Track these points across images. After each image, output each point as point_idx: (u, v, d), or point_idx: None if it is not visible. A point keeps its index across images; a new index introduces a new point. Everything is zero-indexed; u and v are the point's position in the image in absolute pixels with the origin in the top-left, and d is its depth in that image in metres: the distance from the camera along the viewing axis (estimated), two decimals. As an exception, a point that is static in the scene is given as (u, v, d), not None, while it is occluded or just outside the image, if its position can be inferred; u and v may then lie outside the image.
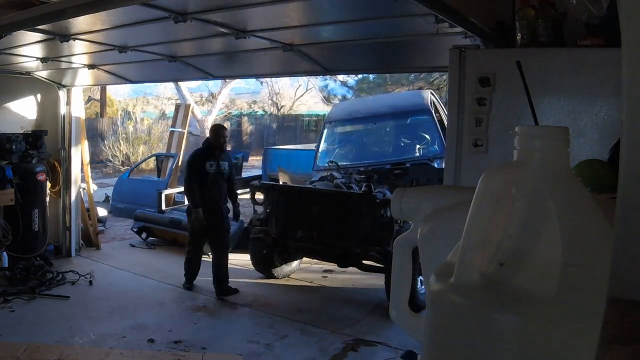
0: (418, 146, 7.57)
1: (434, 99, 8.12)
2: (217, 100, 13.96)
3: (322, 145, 8.09)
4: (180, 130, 10.69)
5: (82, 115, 7.26)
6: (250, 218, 6.59)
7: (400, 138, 7.88)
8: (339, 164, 7.23)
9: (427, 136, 7.51)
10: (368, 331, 4.77)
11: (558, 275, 0.72)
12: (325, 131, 8.17)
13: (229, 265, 5.81)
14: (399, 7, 3.04)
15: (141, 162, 13.64)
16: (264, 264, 6.23)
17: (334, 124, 8.21)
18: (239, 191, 10.40)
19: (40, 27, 3.58)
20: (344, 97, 20.57)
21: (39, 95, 6.69)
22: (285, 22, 3.83)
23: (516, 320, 0.71)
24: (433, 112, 7.59)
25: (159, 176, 10.63)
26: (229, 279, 5.75)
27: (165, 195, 8.97)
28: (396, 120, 7.96)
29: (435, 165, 7.03)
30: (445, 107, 9.95)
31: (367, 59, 4.98)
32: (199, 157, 5.71)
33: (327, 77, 18.92)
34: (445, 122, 7.95)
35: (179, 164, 10.26)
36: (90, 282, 5.92)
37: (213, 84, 19.00)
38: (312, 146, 10.05)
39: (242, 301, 5.50)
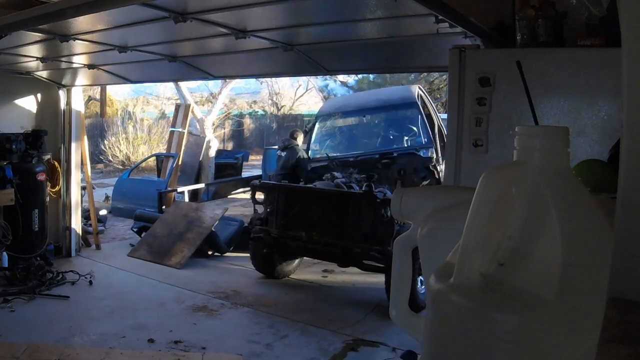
0: (406, 137, 7.68)
1: (422, 94, 8.25)
2: (217, 100, 13.91)
3: (314, 139, 8.21)
4: (180, 130, 10.69)
5: (82, 116, 7.26)
6: (250, 218, 6.59)
7: (388, 130, 8.08)
8: (330, 155, 7.43)
9: (414, 128, 7.61)
10: (368, 331, 4.77)
11: (558, 275, 0.72)
12: (317, 125, 8.32)
13: (228, 266, 5.80)
14: (399, 7, 3.04)
15: (141, 162, 13.63)
16: (264, 264, 6.23)
17: (324, 118, 8.37)
18: (238, 190, 10.46)
19: (40, 27, 3.58)
20: (344, 97, 20.54)
21: (39, 95, 6.68)
22: (285, 22, 3.83)
23: (516, 320, 0.71)
24: (420, 105, 7.72)
25: (159, 176, 10.63)
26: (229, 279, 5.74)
27: (165, 195, 8.98)
28: (385, 113, 8.17)
29: (422, 154, 7.12)
30: (434, 103, 10.12)
31: (367, 59, 4.97)
32: None
33: (327, 77, 18.92)
34: (434, 117, 8.09)
35: (179, 163, 10.27)
36: (90, 282, 5.92)
37: (213, 84, 19.00)
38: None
39: (242, 301, 5.50)
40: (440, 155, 7.49)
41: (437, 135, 7.87)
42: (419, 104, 7.67)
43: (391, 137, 7.93)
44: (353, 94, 10.50)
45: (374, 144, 7.89)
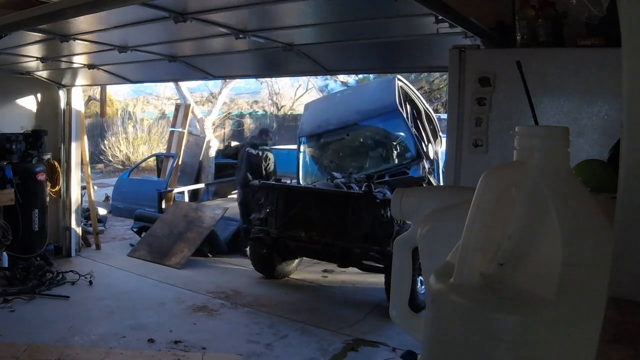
0: (395, 152, 7.47)
1: (404, 86, 7.87)
2: (217, 100, 13.90)
3: (302, 163, 8.01)
4: (180, 130, 10.68)
5: (82, 116, 7.26)
6: (250, 218, 6.59)
7: (373, 146, 7.75)
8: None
9: (401, 134, 7.43)
10: (368, 331, 4.77)
11: (558, 275, 0.72)
12: (301, 147, 8.04)
13: (228, 266, 5.81)
14: (399, 7, 3.04)
15: (141, 162, 13.63)
16: (264, 264, 6.23)
17: (308, 140, 8.00)
18: (236, 191, 10.45)
19: (40, 27, 3.58)
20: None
21: (39, 95, 6.68)
22: (285, 22, 3.83)
23: (516, 320, 0.71)
24: (403, 105, 7.42)
25: (159, 176, 10.63)
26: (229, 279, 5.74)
27: (165, 195, 8.98)
28: (367, 128, 7.79)
29: (413, 172, 7.03)
30: (434, 102, 9.80)
31: (367, 59, 4.97)
32: None
33: (327, 77, 18.90)
34: (418, 104, 7.90)
35: (179, 163, 10.26)
36: (90, 282, 5.92)
37: (213, 84, 18.96)
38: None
39: (242, 301, 5.50)
40: (430, 154, 7.42)
41: (426, 125, 7.73)
42: (401, 110, 7.34)
43: (379, 153, 7.66)
44: (331, 100, 9.69)
45: (363, 165, 7.59)
